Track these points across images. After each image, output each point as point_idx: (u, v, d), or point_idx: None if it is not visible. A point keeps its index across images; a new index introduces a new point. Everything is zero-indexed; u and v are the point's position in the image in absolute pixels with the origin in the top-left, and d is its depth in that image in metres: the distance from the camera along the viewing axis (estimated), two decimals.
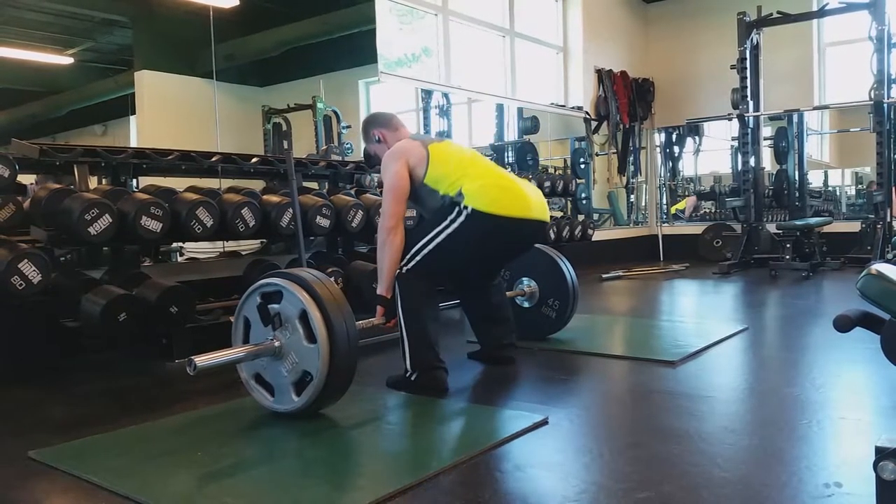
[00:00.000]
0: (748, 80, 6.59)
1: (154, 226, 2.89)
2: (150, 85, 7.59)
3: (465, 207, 2.41)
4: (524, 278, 3.23)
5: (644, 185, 8.69)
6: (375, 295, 2.52)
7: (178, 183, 3.68)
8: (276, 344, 2.04)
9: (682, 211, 9.14)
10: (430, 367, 2.40)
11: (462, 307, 2.91)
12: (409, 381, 2.41)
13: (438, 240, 2.43)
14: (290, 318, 2.03)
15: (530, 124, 7.05)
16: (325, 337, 1.96)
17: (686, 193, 9.48)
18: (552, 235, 5.49)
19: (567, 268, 3.18)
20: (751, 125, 6.68)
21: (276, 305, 2.06)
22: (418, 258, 2.44)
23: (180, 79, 7.53)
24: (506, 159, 6.48)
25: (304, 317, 1.99)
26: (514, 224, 2.47)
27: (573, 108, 7.45)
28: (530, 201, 2.52)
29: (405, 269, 2.44)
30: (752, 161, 6.72)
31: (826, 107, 7.94)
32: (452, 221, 2.43)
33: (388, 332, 2.74)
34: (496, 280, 2.82)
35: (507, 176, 2.61)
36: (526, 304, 3.24)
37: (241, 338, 2.17)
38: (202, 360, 1.92)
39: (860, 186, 9.33)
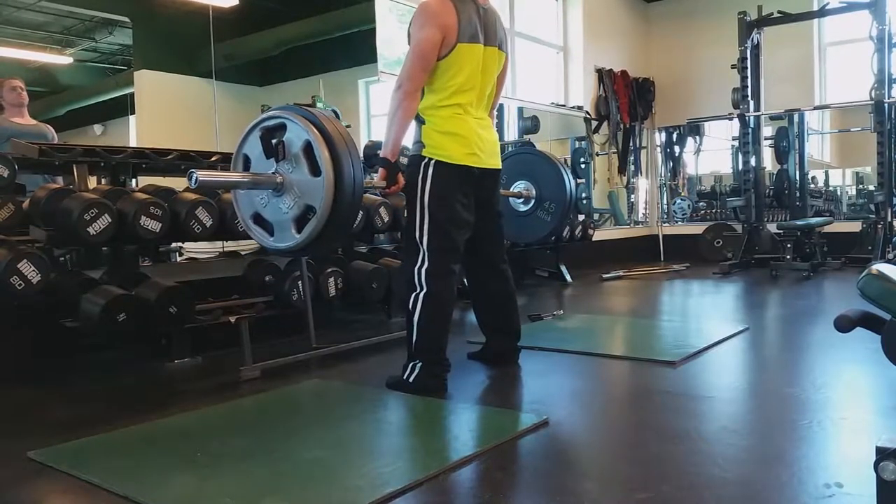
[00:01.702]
0: (749, 80, 6.58)
1: (153, 226, 2.89)
2: (150, 84, 7.59)
3: (430, 160, 2.41)
4: (521, 181, 3.16)
5: (644, 187, 8.68)
6: (380, 158, 2.45)
7: (177, 183, 3.68)
8: (279, 178, 1.95)
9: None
10: (432, 360, 2.39)
11: (473, 307, 2.87)
12: (409, 381, 2.40)
13: (426, 198, 2.40)
14: (293, 149, 1.93)
15: (530, 124, 7.03)
16: (331, 169, 1.87)
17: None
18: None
19: (567, 174, 3.14)
20: (751, 125, 6.68)
21: (278, 137, 1.97)
22: (425, 238, 2.39)
23: (180, 78, 7.53)
24: None
25: (308, 149, 1.91)
26: (462, 173, 2.44)
27: (573, 107, 7.45)
28: (477, 147, 2.48)
29: (422, 268, 2.39)
30: (752, 161, 6.71)
31: (827, 107, 7.94)
32: (425, 179, 2.40)
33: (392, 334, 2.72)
34: (504, 259, 2.77)
35: (468, 120, 2.48)
36: (522, 208, 3.18)
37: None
38: (203, 174, 1.85)
39: (861, 186, 9.32)
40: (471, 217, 2.52)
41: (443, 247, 2.42)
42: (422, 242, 2.41)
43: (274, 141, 1.96)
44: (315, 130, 1.89)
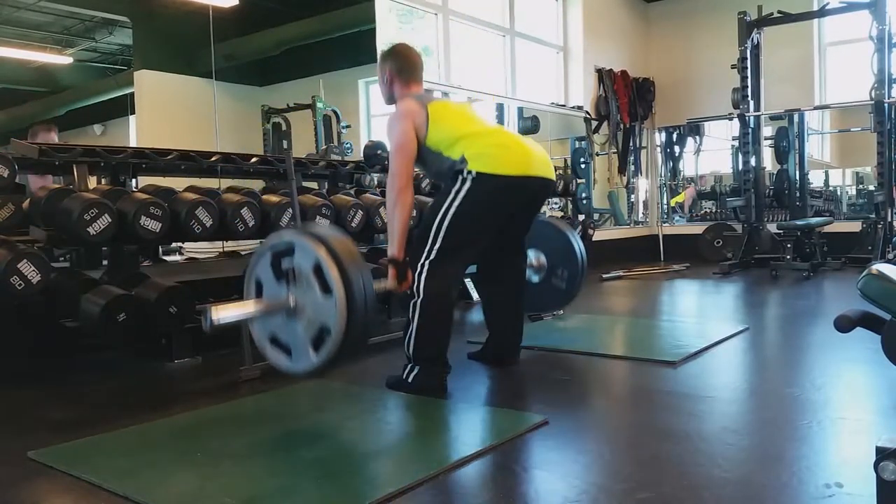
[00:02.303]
0: (749, 80, 6.58)
1: (153, 226, 2.89)
2: (150, 84, 7.58)
3: (469, 172, 2.38)
4: (530, 251, 3.15)
5: (644, 187, 8.68)
6: (387, 258, 2.47)
7: (177, 183, 3.68)
8: (291, 302, 1.97)
9: (681, 205, 9.12)
10: (431, 364, 2.39)
11: (483, 305, 2.87)
12: (409, 382, 2.40)
13: (451, 212, 2.38)
14: (303, 272, 1.95)
15: (530, 124, 7.03)
16: (341, 287, 1.88)
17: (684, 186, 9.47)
18: None
19: (573, 237, 3.13)
20: (751, 125, 6.68)
21: (288, 261, 1.99)
22: (438, 244, 2.38)
23: (180, 78, 7.53)
24: None
25: (318, 269, 1.92)
26: (518, 182, 2.43)
27: (573, 107, 7.45)
28: (532, 157, 2.49)
29: (427, 262, 2.37)
30: (752, 161, 6.71)
31: (827, 107, 7.94)
32: (459, 191, 2.39)
33: (392, 333, 2.72)
34: (523, 262, 2.78)
35: (508, 133, 2.59)
36: (535, 279, 3.17)
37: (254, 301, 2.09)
38: (219, 314, 1.86)
39: (861, 186, 9.32)
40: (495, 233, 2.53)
41: (454, 254, 2.40)
42: (434, 244, 2.38)
43: (284, 268, 1.99)
44: (324, 251, 1.92)
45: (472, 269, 2.86)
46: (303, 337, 1.98)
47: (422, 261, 2.38)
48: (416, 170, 2.64)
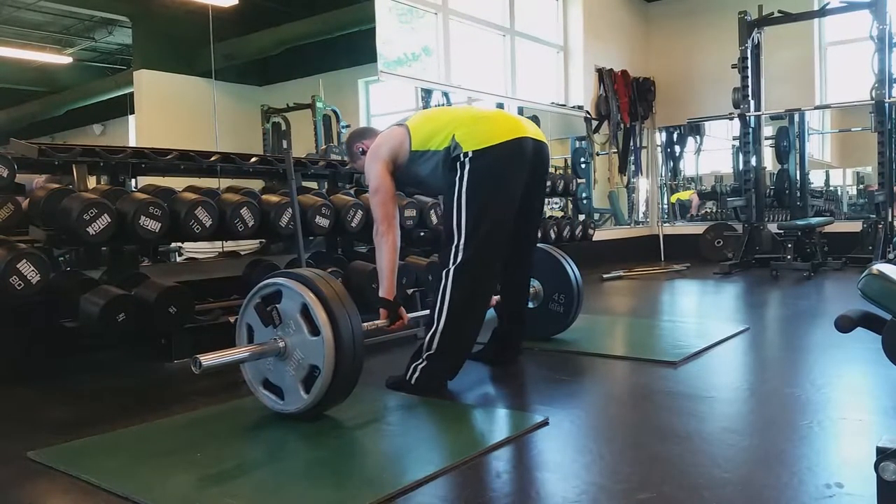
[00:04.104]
0: (749, 80, 6.58)
1: (153, 226, 2.89)
2: (149, 84, 7.58)
3: (466, 154, 2.36)
4: None
5: (644, 188, 8.68)
6: (378, 298, 2.51)
7: (177, 183, 3.68)
8: (281, 344, 2.02)
9: (682, 202, 9.12)
10: (443, 362, 2.39)
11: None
12: (410, 382, 2.40)
13: (464, 199, 2.35)
14: (290, 314, 2.01)
15: None
16: (328, 326, 1.93)
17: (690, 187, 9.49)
18: (552, 235, 5.48)
19: (567, 262, 3.18)
20: (752, 125, 6.68)
21: (276, 305, 2.05)
22: (462, 242, 2.34)
23: (179, 78, 7.53)
24: None
25: (305, 311, 1.98)
26: (512, 146, 2.41)
27: (574, 107, 7.45)
28: (520, 124, 2.50)
29: (453, 267, 2.35)
30: (753, 161, 6.72)
31: (827, 106, 7.93)
32: (462, 176, 2.36)
33: (393, 334, 2.73)
34: (532, 255, 2.79)
35: (493, 109, 2.62)
36: (531, 305, 3.23)
37: (245, 345, 2.15)
38: (207, 358, 1.90)
39: (861, 186, 9.33)
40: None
41: (483, 243, 2.36)
42: (459, 238, 2.36)
43: (268, 308, 2.04)
44: (310, 293, 1.97)
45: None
46: (293, 377, 2.03)
47: (449, 266, 2.36)
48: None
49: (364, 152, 2.67)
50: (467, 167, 2.36)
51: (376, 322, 2.47)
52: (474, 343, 2.49)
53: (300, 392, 2.02)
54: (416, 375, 2.40)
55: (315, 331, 1.96)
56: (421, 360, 2.40)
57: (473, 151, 2.36)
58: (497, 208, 2.41)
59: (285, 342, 2.03)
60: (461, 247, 2.35)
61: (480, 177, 2.36)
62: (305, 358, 1.99)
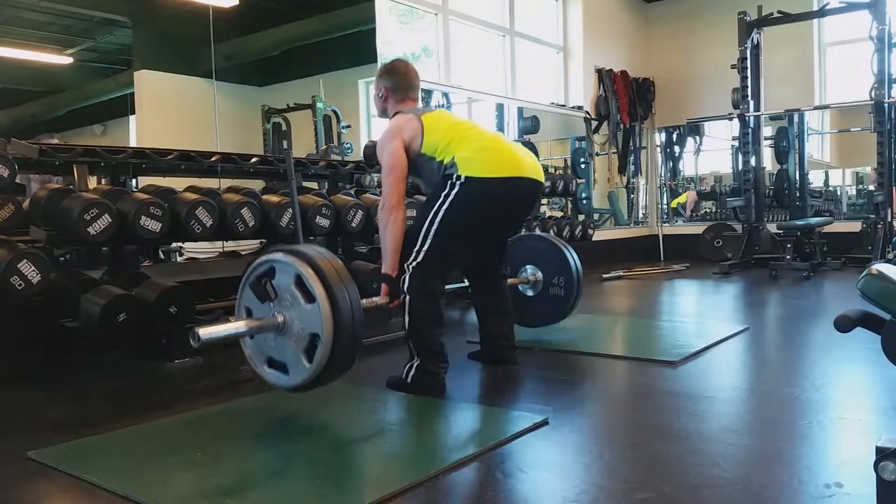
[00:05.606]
0: (749, 80, 6.58)
1: (153, 226, 2.89)
2: (150, 84, 7.58)
3: (459, 178, 2.41)
4: (528, 266, 3.22)
5: (644, 186, 8.68)
6: (380, 274, 2.52)
7: (177, 183, 3.68)
8: (279, 318, 2.00)
9: (683, 206, 9.13)
10: (429, 355, 2.41)
11: (472, 298, 2.90)
12: (409, 382, 2.41)
13: (439, 216, 2.41)
14: (285, 287, 1.99)
15: (530, 124, 7.04)
16: (323, 292, 1.92)
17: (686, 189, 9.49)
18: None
19: (565, 248, 3.19)
20: (751, 125, 6.68)
21: (271, 281, 2.03)
22: (425, 247, 2.41)
23: (180, 78, 7.52)
24: None
25: (299, 281, 1.96)
26: (507, 184, 2.45)
27: (573, 107, 7.45)
28: (521, 161, 2.51)
29: (413, 265, 2.41)
30: (752, 161, 6.72)
31: (827, 107, 7.94)
32: (448, 195, 2.42)
33: (393, 334, 2.73)
34: (504, 267, 2.82)
35: (498, 138, 2.63)
36: (530, 292, 3.23)
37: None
38: (206, 332, 1.88)
39: (861, 186, 9.33)
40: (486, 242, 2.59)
41: (442, 257, 2.44)
42: (422, 246, 2.42)
43: (263, 281, 2.03)
44: (301, 263, 1.96)
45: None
46: (295, 350, 2.01)
47: (409, 262, 2.42)
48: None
49: (383, 98, 2.67)
50: (456, 189, 2.42)
51: (374, 299, 2.45)
52: (438, 338, 2.47)
53: (303, 362, 1.98)
54: (411, 374, 2.41)
55: (310, 298, 1.94)
56: (413, 360, 2.43)
57: (467, 177, 2.40)
58: (468, 236, 2.52)
59: (284, 316, 2.00)
60: (423, 250, 2.41)
61: (465, 203, 2.41)
62: (305, 328, 1.97)
